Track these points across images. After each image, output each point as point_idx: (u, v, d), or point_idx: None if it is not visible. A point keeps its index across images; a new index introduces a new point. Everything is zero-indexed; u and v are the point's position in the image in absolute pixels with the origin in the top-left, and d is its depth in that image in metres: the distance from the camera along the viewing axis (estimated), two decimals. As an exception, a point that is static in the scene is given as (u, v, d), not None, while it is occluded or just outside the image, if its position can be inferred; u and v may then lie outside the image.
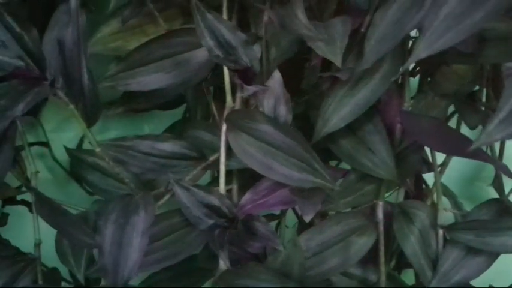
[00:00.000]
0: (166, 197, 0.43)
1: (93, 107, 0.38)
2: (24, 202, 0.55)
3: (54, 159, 0.58)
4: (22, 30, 0.35)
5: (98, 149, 0.39)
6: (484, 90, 0.47)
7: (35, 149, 0.56)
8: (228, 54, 0.39)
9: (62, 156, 0.59)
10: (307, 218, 0.42)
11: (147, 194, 0.40)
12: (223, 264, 0.41)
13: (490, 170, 0.53)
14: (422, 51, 0.29)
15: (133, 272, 0.36)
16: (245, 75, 0.39)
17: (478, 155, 0.37)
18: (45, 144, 0.58)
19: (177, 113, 0.57)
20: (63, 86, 0.37)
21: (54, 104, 0.59)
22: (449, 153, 0.45)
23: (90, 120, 0.38)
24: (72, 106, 0.37)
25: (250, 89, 0.39)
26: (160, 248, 0.42)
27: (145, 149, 0.43)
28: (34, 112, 0.58)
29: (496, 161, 0.38)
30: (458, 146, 0.38)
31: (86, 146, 0.58)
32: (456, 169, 0.58)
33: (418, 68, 0.49)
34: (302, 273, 0.41)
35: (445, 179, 0.54)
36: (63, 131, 0.60)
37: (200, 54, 0.44)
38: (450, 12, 0.28)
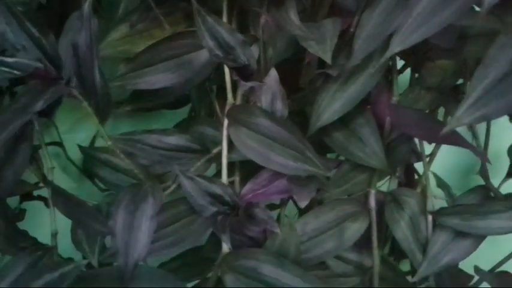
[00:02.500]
0: (173, 187, 0.46)
1: (105, 104, 0.41)
2: (40, 198, 0.58)
3: (68, 158, 0.62)
4: (40, 35, 0.39)
5: (109, 142, 0.42)
6: (468, 83, 0.50)
7: (49, 149, 0.59)
8: (227, 53, 0.42)
9: (75, 156, 0.62)
10: (302, 204, 0.45)
11: (155, 183, 0.43)
12: (225, 247, 0.44)
13: (477, 159, 0.56)
14: (396, 45, 0.32)
15: (142, 253, 0.40)
16: (243, 73, 0.43)
17: (457, 141, 0.40)
18: (60, 144, 0.61)
19: (183, 112, 0.59)
20: (78, 86, 0.40)
21: (67, 107, 0.63)
22: (432, 141, 0.48)
23: (102, 116, 0.41)
24: (85, 103, 0.40)
25: (247, 84, 0.42)
26: (168, 234, 0.45)
27: (152, 142, 0.46)
28: (49, 114, 0.61)
29: (473, 146, 0.41)
30: (439, 135, 0.41)
31: (97, 145, 0.61)
32: (446, 160, 0.61)
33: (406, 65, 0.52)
34: (298, 254, 0.44)
35: (436, 169, 0.57)
36: (76, 132, 0.63)
37: (202, 55, 0.47)
38: (421, 11, 0.32)
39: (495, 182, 0.56)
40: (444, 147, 0.54)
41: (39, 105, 0.36)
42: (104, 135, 0.42)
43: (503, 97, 0.31)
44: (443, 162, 0.57)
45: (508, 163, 0.58)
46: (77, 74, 0.40)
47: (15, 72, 0.38)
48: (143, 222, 0.41)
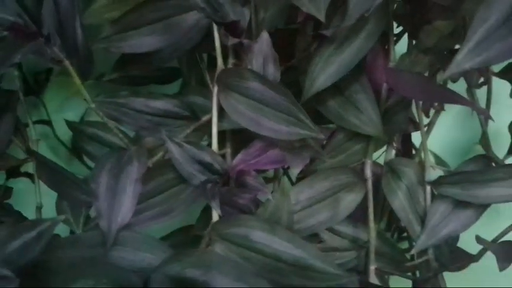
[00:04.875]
0: (160, 154, 0.45)
1: (86, 62, 0.40)
2: (27, 174, 0.57)
3: (56, 137, 0.61)
4: (20, -12, 0.37)
5: (92, 105, 0.40)
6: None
7: (38, 128, 0.58)
8: (215, 10, 0.41)
9: (64, 136, 0.61)
10: (296, 171, 0.44)
11: (140, 147, 0.41)
12: (215, 216, 0.42)
13: (477, 128, 0.55)
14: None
15: (127, 217, 0.38)
16: (232, 29, 0.41)
17: (457, 100, 0.39)
18: (48, 122, 0.60)
19: (173, 89, 0.58)
20: (59, 44, 0.39)
21: (56, 86, 0.62)
22: (433, 101, 0.47)
23: (84, 75, 0.40)
24: (67, 62, 0.39)
25: (236, 39, 0.40)
26: (156, 204, 0.43)
27: (138, 106, 0.44)
28: (37, 92, 0.60)
29: (474, 104, 0.40)
30: (439, 94, 0.39)
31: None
32: (445, 132, 0.59)
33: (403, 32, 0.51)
34: (291, 221, 0.43)
35: (434, 141, 0.55)
36: (65, 111, 0.62)
37: (190, 18, 0.45)
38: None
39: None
40: (443, 119, 0.52)
41: (18, 57, 0.34)
42: (86, 96, 0.40)
43: (505, 40, 0.29)
44: (442, 135, 0.56)
45: (509, 141, 0.56)
46: (58, 31, 0.39)
47: (-8, 26, 0.36)
48: (128, 185, 0.39)
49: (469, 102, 0.40)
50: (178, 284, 0.31)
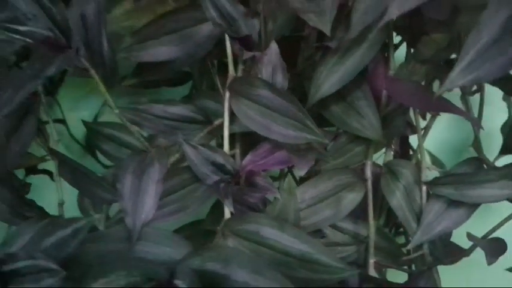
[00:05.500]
0: (177, 155, 0.48)
1: (111, 71, 0.43)
2: (45, 171, 0.60)
3: (71, 135, 0.63)
4: (51, 5, 0.40)
5: (116, 111, 0.44)
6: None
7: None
8: (230, 24, 0.44)
9: (78, 133, 0.64)
10: (301, 172, 0.47)
11: (160, 150, 0.45)
12: (227, 213, 0.46)
13: (471, 130, 0.58)
14: (394, 9, 0.34)
15: (149, 214, 0.42)
16: (245, 43, 0.44)
17: (451, 109, 0.42)
18: (63, 121, 0.63)
19: (184, 91, 0.61)
20: (86, 55, 0.42)
21: (70, 85, 0.64)
22: (428, 109, 0.50)
23: (109, 83, 0.43)
24: (93, 71, 0.42)
25: (250, 53, 0.44)
26: (173, 201, 0.46)
27: (157, 112, 0.48)
28: (52, 92, 0.63)
29: (466, 112, 0.43)
30: (434, 103, 0.43)
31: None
32: (441, 134, 0.63)
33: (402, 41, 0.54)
34: (297, 218, 0.46)
35: (430, 144, 0.59)
36: (79, 110, 0.65)
37: (205, 29, 0.49)
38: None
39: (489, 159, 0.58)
40: (438, 122, 0.56)
41: (51, 70, 0.37)
42: (111, 103, 0.43)
43: (494, 60, 0.33)
44: (437, 137, 0.59)
45: (501, 142, 0.60)
46: (85, 43, 0.42)
47: (27, 40, 0.39)
48: (150, 185, 0.42)
49: (462, 111, 0.44)
50: (201, 276, 0.35)
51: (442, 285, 0.52)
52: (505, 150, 0.58)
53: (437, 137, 0.62)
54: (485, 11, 0.33)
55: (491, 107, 0.59)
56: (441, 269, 0.53)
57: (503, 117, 0.59)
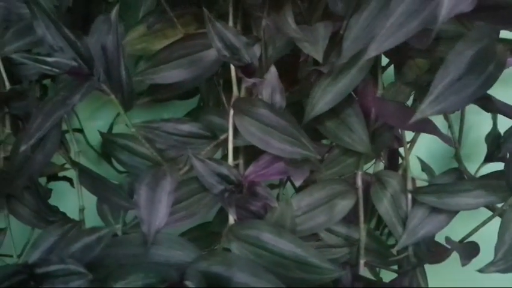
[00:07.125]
0: (186, 168, 0.54)
1: (129, 96, 0.48)
2: (65, 178, 0.65)
3: (88, 143, 0.68)
4: (75, 38, 0.45)
5: (133, 129, 0.49)
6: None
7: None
8: (233, 54, 0.49)
9: (94, 142, 0.69)
10: (297, 183, 0.52)
11: (172, 164, 0.50)
12: (231, 219, 0.51)
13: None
14: (372, 51, 0.39)
15: (162, 222, 0.47)
16: (247, 70, 0.49)
17: (429, 129, 0.47)
18: (80, 130, 0.68)
19: (192, 103, 0.66)
20: (106, 81, 0.48)
21: (86, 97, 0.69)
22: (408, 129, 0.55)
23: (126, 106, 0.48)
24: (113, 96, 0.47)
25: (250, 80, 0.49)
26: (182, 209, 0.52)
27: (168, 129, 0.53)
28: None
29: (441, 133, 0.48)
30: (416, 124, 0.48)
31: (114, 132, 0.68)
32: (427, 146, 0.67)
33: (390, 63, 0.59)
34: (293, 225, 0.52)
35: (418, 154, 0.64)
36: (95, 120, 0.70)
37: (211, 54, 0.54)
38: (394, 21, 0.39)
39: (474, 166, 0.62)
40: (425, 135, 0.60)
41: (77, 98, 0.42)
42: (128, 122, 0.49)
43: (459, 94, 0.38)
44: (424, 148, 0.64)
45: (485, 150, 0.64)
46: (105, 71, 0.47)
47: (54, 70, 0.45)
48: (163, 196, 0.48)
49: (438, 132, 0.48)
50: (207, 277, 0.40)
51: (435, 283, 0.57)
52: (489, 158, 0.62)
53: (427, 146, 0.67)
54: (452, 51, 0.38)
55: (479, 116, 0.63)
56: (432, 268, 0.58)
57: (489, 126, 0.63)
